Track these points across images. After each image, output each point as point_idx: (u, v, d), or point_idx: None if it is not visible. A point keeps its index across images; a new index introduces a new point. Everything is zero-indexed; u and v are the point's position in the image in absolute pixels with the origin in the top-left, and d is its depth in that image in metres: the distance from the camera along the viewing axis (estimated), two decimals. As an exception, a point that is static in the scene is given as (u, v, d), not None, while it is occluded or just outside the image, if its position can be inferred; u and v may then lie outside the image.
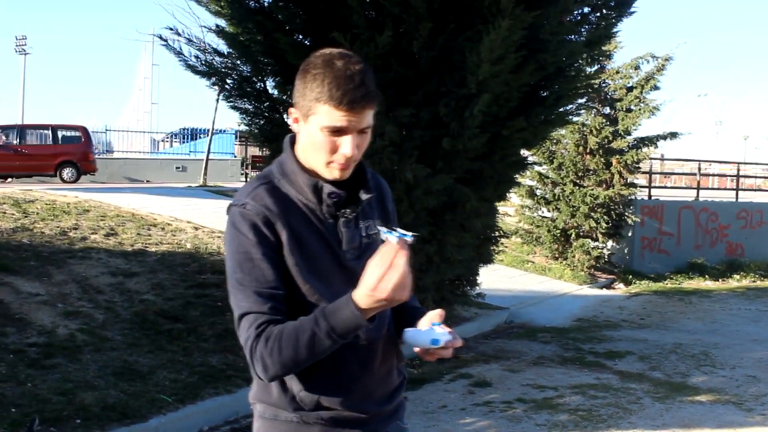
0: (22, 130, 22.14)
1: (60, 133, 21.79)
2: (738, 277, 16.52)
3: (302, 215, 1.80)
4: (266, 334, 1.69)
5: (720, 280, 16.18)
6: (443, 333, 1.75)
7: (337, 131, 1.73)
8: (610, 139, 15.40)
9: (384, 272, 1.58)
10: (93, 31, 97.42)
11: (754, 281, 16.27)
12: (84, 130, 22.45)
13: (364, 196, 1.88)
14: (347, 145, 1.74)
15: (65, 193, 12.98)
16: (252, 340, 1.70)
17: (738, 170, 22.55)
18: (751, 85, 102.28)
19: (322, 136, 1.74)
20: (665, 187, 25.57)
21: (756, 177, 27.34)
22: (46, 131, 21.74)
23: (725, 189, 23.23)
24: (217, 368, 6.03)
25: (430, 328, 1.76)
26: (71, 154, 21.14)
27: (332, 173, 1.79)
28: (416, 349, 1.81)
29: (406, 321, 1.92)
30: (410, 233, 1.66)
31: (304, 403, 1.81)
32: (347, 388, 1.83)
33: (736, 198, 20.27)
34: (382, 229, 1.69)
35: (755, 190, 23.52)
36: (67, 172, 20.86)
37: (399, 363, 1.99)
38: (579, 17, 7.60)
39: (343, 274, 1.82)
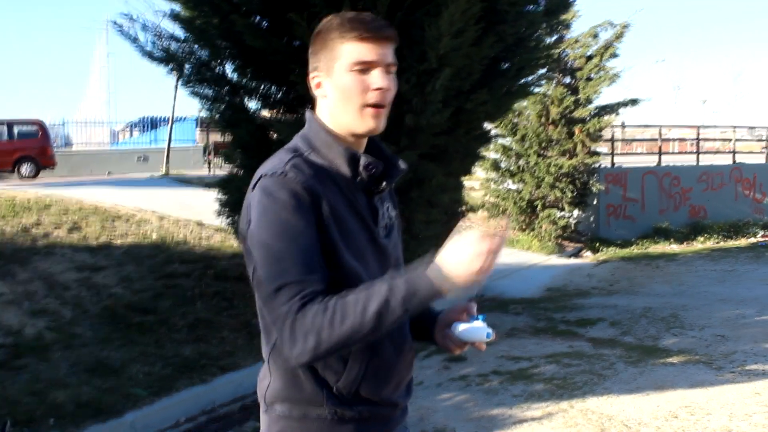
0: (-25, 127, 21.67)
1: (16, 129, 21.31)
2: (702, 239, 16.78)
3: (338, 189, 1.65)
4: (322, 304, 1.49)
5: (685, 242, 16.42)
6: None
7: (366, 67, 1.62)
8: (572, 108, 15.49)
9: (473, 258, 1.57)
10: (43, 23, 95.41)
11: (717, 242, 16.53)
12: (41, 124, 22.02)
13: (402, 166, 1.78)
14: (379, 77, 1.62)
15: (25, 189, 12.73)
16: (294, 313, 1.48)
17: (698, 134, 22.84)
18: (707, 49, 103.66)
19: (352, 76, 1.62)
20: (628, 154, 25.84)
21: (715, 140, 27.65)
22: (1, 127, 21.26)
23: (686, 153, 23.51)
24: (191, 358, 5.96)
25: (483, 324, 1.71)
26: (29, 149, 20.74)
27: (366, 123, 1.65)
28: (457, 343, 1.77)
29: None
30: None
31: (342, 394, 1.64)
32: (385, 376, 1.70)
33: (697, 161, 20.55)
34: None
35: (715, 152, 23.82)
36: (26, 168, 20.48)
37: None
38: (536, -13, 7.58)
39: (377, 252, 1.70)
